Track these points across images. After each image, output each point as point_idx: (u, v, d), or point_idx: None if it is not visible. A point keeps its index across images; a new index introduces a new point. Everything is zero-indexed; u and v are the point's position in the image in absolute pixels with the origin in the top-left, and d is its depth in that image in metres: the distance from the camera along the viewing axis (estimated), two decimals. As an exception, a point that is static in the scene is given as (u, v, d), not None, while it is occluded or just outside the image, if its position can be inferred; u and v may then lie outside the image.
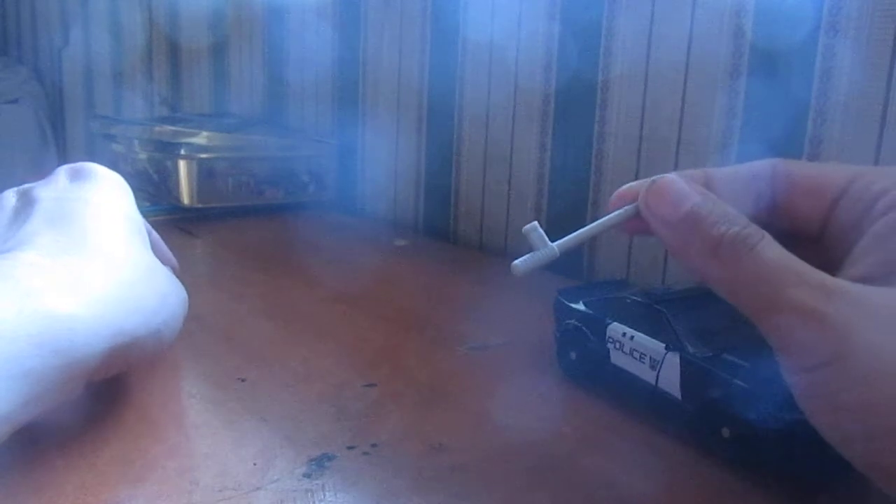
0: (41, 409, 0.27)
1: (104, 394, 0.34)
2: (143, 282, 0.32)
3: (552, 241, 0.29)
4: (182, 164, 0.74)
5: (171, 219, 0.73)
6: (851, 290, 0.24)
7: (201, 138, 0.75)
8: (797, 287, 0.24)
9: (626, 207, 0.30)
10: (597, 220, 0.30)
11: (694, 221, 0.26)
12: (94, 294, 0.29)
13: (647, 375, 0.35)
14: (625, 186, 0.30)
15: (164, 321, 0.33)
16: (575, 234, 0.30)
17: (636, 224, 0.30)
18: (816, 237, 0.30)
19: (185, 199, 0.75)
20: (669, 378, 0.34)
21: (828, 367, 0.23)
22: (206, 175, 0.75)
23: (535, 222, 0.30)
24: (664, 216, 0.27)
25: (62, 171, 0.36)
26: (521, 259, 0.29)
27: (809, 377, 0.24)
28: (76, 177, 0.36)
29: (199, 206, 0.75)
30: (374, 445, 0.32)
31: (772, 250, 0.25)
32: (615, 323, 0.36)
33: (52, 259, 0.29)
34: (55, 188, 0.35)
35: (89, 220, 0.33)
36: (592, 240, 0.30)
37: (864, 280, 0.25)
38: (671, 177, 0.28)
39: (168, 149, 0.76)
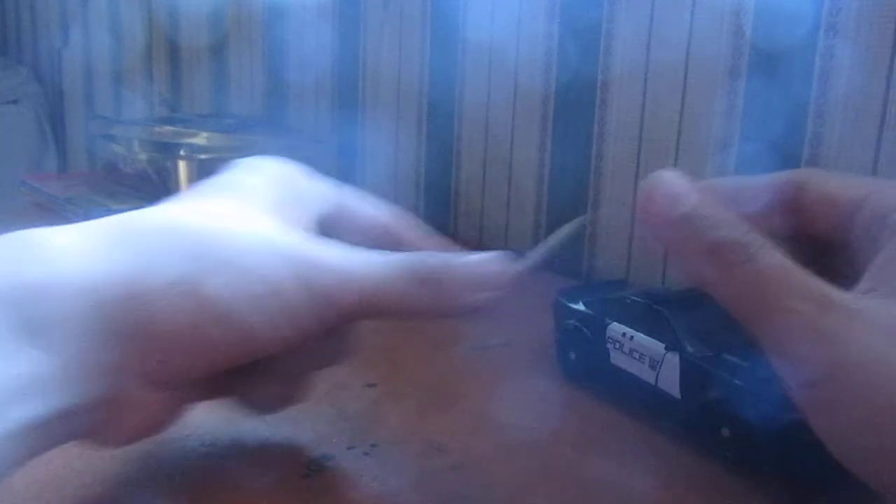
0: None
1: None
2: None
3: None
4: (182, 165, 0.74)
5: (171, 219, 0.73)
6: (849, 302, 0.23)
7: (201, 139, 0.75)
8: (795, 298, 0.23)
9: (578, 219, 0.30)
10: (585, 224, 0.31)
11: (691, 223, 0.26)
12: None
13: (647, 375, 0.35)
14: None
15: None
16: (532, 252, 0.31)
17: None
18: (837, 249, 0.29)
19: (185, 200, 0.75)
20: (669, 378, 0.34)
21: (826, 381, 0.23)
22: (206, 175, 0.74)
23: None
24: (661, 215, 0.27)
25: None
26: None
27: (808, 391, 0.23)
28: None
29: (199, 206, 0.75)
30: (373, 445, 0.32)
31: (771, 258, 0.24)
32: (615, 323, 0.36)
33: None
34: None
35: None
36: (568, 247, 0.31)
37: (875, 294, 0.24)
38: (669, 175, 0.27)
39: (168, 149, 0.76)
